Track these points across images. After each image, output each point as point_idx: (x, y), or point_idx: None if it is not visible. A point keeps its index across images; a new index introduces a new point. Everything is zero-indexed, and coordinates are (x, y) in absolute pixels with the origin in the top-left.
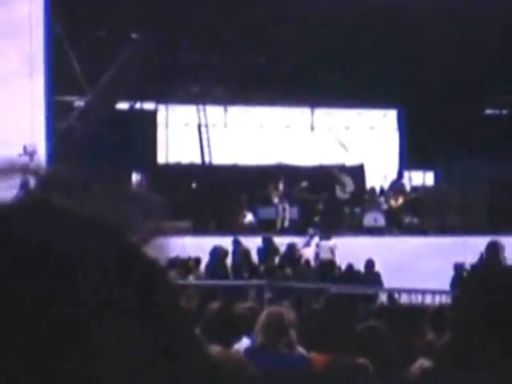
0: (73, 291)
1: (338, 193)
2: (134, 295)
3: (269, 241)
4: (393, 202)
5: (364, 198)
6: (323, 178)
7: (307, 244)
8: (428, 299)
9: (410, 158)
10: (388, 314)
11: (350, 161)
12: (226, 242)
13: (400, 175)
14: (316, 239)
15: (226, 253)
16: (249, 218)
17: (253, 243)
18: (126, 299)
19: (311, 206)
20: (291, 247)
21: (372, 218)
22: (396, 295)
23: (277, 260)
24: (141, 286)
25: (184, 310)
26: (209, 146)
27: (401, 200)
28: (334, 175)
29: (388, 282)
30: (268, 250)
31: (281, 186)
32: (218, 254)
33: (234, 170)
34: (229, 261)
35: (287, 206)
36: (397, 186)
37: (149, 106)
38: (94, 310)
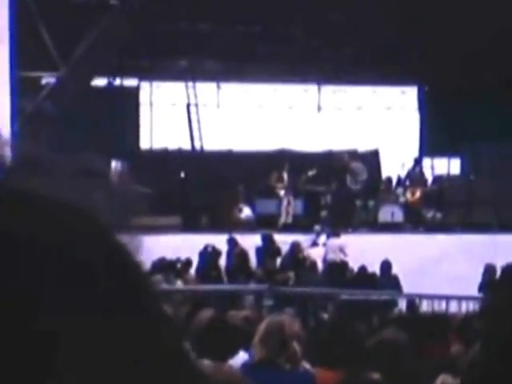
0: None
1: (349, 183)
2: (113, 297)
3: (269, 239)
4: (409, 195)
5: (379, 188)
6: (332, 165)
7: (313, 243)
8: (453, 306)
9: (432, 142)
10: (407, 323)
11: (364, 146)
12: (220, 241)
13: (417, 163)
14: (323, 237)
15: (219, 253)
16: (246, 212)
17: (251, 242)
18: (105, 302)
19: (318, 198)
20: (295, 246)
21: (388, 213)
22: (416, 302)
23: (278, 261)
24: (123, 286)
25: (170, 317)
26: (200, 129)
27: (419, 192)
28: (345, 162)
29: (407, 286)
30: (268, 249)
31: (285, 176)
32: (209, 254)
33: (229, 157)
34: (223, 262)
35: (292, 199)
36: (414, 176)
37: (130, 82)
38: (70, 316)
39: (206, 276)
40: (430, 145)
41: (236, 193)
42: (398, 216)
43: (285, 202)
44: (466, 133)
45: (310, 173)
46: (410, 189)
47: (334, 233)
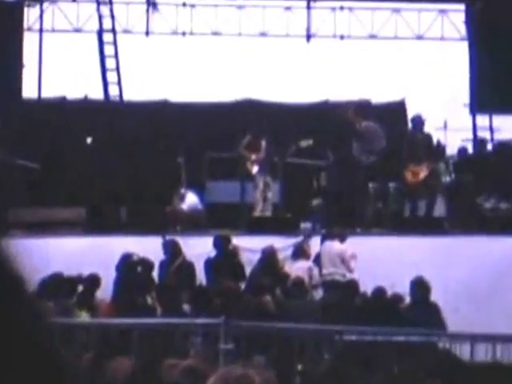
0: None
1: (358, 153)
2: None
3: (227, 244)
4: (409, 176)
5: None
6: (329, 126)
7: (300, 250)
8: None
9: (489, 90)
10: (452, 378)
11: (381, 95)
12: (150, 246)
13: (417, 122)
14: (316, 241)
15: (149, 267)
16: (190, 200)
17: (198, 248)
18: None
19: (307, 178)
20: (270, 256)
21: (422, 201)
22: (468, 346)
23: (244, 280)
24: None
25: (67, 365)
26: (118, 69)
27: (425, 171)
28: (350, 121)
29: (453, 320)
30: (226, 260)
31: (263, 143)
32: (132, 268)
33: (165, 112)
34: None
35: (270, 181)
36: (415, 145)
37: None
38: None
39: (127, 302)
40: (487, 94)
41: (175, 169)
42: (438, 207)
43: (260, 185)
44: None
45: (304, 143)
46: (411, 166)
47: (334, 234)
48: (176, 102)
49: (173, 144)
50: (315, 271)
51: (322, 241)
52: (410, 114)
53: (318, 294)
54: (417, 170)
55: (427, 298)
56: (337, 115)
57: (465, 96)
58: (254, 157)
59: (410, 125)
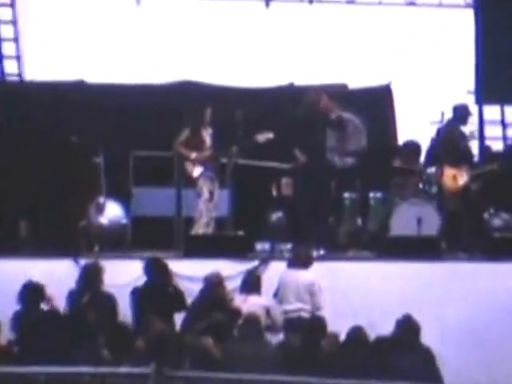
0: None
1: (331, 154)
2: None
3: (160, 270)
4: (448, 181)
5: (392, 167)
6: (295, 116)
7: (253, 280)
8: None
9: (498, 72)
10: None
11: (361, 78)
12: (59, 272)
13: (461, 113)
14: (276, 267)
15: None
16: (111, 212)
17: (123, 275)
18: None
19: (264, 185)
20: (214, 285)
21: (411, 217)
22: None
23: (182, 318)
24: None
25: None
26: (17, 39)
27: (465, 175)
28: (321, 111)
29: (451, 371)
30: (158, 292)
31: (208, 137)
32: (37, 302)
33: (79, 97)
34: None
35: (217, 187)
36: (454, 141)
37: None
38: None
39: (27, 345)
40: (497, 79)
41: (91, 171)
42: (432, 224)
43: (205, 192)
44: None
45: (261, 137)
46: (447, 167)
47: (298, 259)
48: (94, 83)
49: (89, 139)
50: (276, 310)
51: (288, 267)
52: (398, 102)
53: (278, 338)
54: (455, 173)
55: (417, 342)
56: (304, 104)
57: (469, 81)
58: (194, 155)
59: (451, 115)
